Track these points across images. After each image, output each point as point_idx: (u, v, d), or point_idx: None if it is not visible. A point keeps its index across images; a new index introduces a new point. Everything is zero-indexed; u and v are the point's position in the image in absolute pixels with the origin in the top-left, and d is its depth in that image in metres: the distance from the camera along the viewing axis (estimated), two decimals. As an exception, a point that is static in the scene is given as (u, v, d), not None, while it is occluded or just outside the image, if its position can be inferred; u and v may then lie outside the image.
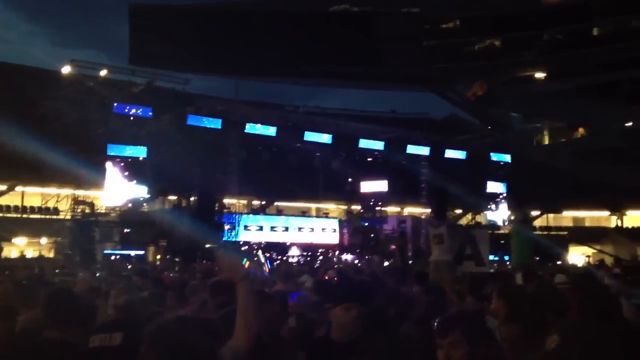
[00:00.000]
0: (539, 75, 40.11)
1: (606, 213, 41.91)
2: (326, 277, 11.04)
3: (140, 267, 11.61)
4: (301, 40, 37.05)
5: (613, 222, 41.92)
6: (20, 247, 27.88)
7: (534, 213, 33.71)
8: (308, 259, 27.19)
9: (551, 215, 40.32)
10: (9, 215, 30.00)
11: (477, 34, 40.15)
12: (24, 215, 30.46)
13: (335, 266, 18.69)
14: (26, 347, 3.77)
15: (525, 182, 30.97)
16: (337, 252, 30.32)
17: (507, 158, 35.24)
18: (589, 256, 19.70)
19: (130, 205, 27.31)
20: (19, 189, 31.31)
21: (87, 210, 28.42)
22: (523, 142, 40.69)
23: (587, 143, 38.48)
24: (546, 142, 43.88)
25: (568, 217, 43.00)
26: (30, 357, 3.61)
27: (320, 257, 27.56)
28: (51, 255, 27.39)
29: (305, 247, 30.66)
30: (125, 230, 26.51)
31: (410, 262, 21.99)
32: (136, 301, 4.97)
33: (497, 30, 39.30)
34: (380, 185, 33.36)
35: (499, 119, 41.04)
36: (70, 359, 3.43)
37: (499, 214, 33.90)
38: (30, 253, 28.40)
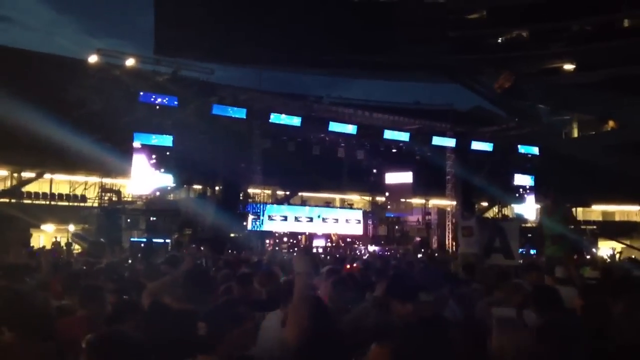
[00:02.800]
0: (568, 67, 39.53)
1: (636, 207, 41.25)
2: (349, 266, 11.01)
3: (172, 255, 11.60)
4: (324, 30, 36.94)
5: (644, 217, 41.31)
6: (49, 233, 28.24)
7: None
8: (330, 249, 27.24)
9: (580, 209, 39.78)
10: (37, 202, 30.43)
11: (504, 24, 39.65)
12: (52, 203, 30.87)
13: (364, 257, 18.65)
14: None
15: (553, 175, 30.53)
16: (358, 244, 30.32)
17: (535, 150, 34.75)
18: (620, 252, 19.33)
19: (157, 193, 27.54)
20: (47, 176, 31.76)
21: (114, 198, 28.73)
22: (551, 135, 40.15)
23: (617, 136, 37.86)
24: (575, 134, 43.27)
25: (597, 211, 42.39)
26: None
27: (341, 249, 27.57)
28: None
29: (328, 238, 30.73)
30: (151, 219, 26.72)
31: (436, 254, 21.86)
32: None
33: (525, 21, 38.78)
34: (405, 177, 33.18)
35: (526, 110, 40.51)
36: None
37: (527, 207, 33.52)
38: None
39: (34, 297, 4.10)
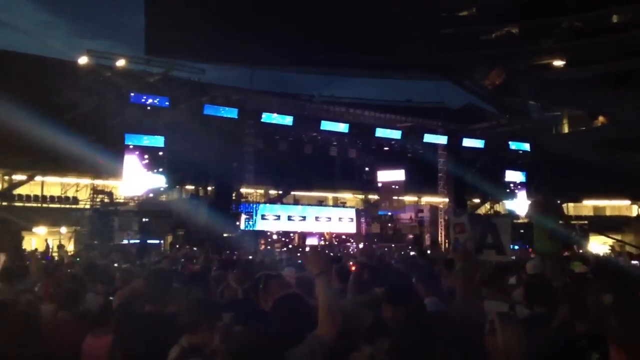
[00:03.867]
0: (558, 63, 39.63)
1: (627, 202, 41.50)
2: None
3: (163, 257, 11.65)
4: (315, 28, 36.91)
5: (634, 211, 41.52)
6: (41, 236, 28.12)
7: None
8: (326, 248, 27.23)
9: (571, 205, 39.95)
10: (29, 204, 30.34)
11: (494, 21, 39.72)
12: (44, 205, 30.77)
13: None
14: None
15: (544, 171, 30.67)
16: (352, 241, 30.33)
17: (526, 147, 34.95)
18: (612, 247, 19.48)
19: (151, 195, 27.51)
20: (38, 178, 31.65)
21: (106, 200, 28.65)
22: (542, 131, 40.29)
23: (607, 131, 37.98)
24: (566, 130, 43.41)
25: (588, 206, 42.62)
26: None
27: (335, 248, 27.58)
28: (71, 244, 27.62)
29: (322, 237, 30.76)
30: (144, 220, 26.66)
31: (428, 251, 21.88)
32: None
33: (515, 18, 38.88)
34: (397, 175, 33.26)
35: (517, 107, 40.64)
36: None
37: (518, 203, 33.65)
38: (51, 242, 28.65)
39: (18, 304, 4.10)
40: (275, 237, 29.30)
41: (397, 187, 33.62)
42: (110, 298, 4.91)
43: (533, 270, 7.42)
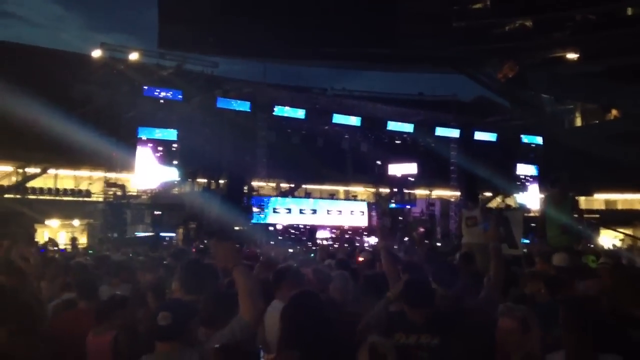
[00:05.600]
0: (571, 56, 39.40)
1: (639, 196, 41.19)
2: (360, 259, 11.02)
3: (178, 249, 11.67)
4: (327, 21, 36.90)
5: (647, 205, 41.21)
6: (53, 229, 28.34)
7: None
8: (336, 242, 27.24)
9: (583, 198, 39.69)
10: (42, 197, 30.47)
11: (508, 14, 39.53)
12: (57, 198, 30.92)
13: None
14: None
15: (556, 164, 30.54)
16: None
17: (539, 140, 34.79)
18: (622, 240, 19.44)
19: (164, 187, 27.66)
20: (52, 171, 31.79)
21: (119, 193, 28.79)
22: (555, 124, 40.08)
23: (620, 125, 37.75)
24: (578, 124, 43.16)
25: (600, 200, 42.33)
26: None
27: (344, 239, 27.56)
28: (84, 236, 27.81)
29: (333, 230, 30.75)
30: (156, 213, 26.81)
31: (439, 244, 21.89)
32: None
33: (528, 11, 38.67)
34: (409, 168, 33.20)
35: (530, 100, 40.44)
36: None
37: (529, 196, 33.52)
38: (64, 235, 28.85)
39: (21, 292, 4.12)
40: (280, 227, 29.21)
41: (408, 180, 33.55)
42: (117, 292, 4.91)
43: (563, 263, 7.28)
